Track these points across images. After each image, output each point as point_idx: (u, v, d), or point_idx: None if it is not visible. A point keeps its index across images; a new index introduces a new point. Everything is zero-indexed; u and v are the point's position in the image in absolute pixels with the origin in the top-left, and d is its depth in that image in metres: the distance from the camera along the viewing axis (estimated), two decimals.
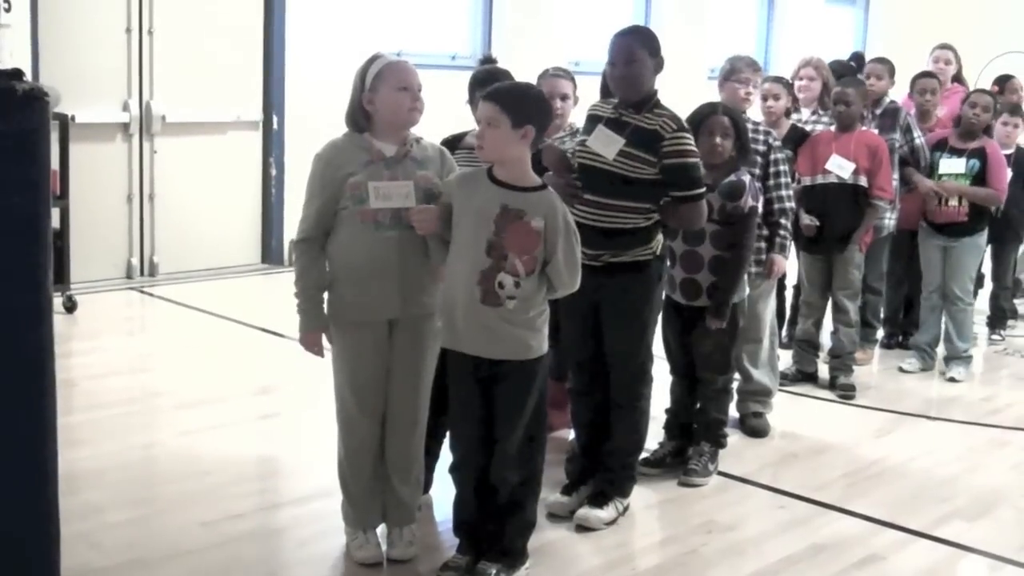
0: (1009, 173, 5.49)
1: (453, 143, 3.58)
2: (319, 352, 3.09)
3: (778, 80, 5.09)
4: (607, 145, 3.34)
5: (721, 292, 3.80)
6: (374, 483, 3.13)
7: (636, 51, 3.35)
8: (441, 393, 3.12)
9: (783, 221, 4.32)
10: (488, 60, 3.84)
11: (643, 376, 3.48)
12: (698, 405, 3.99)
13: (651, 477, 3.83)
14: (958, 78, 6.71)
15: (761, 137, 4.29)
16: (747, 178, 3.86)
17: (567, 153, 3.46)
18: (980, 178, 5.26)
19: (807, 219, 4.92)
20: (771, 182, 4.26)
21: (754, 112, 4.66)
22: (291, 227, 7.26)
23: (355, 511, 3.16)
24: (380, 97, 2.98)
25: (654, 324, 3.53)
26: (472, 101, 3.57)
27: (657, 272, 3.44)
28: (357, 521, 3.16)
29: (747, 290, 4.01)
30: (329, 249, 3.05)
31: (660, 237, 3.45)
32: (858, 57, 6.45)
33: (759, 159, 4.23)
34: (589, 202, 3.33)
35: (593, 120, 3.45)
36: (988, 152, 5.30)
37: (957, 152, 5.33)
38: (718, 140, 3.81)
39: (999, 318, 6.32)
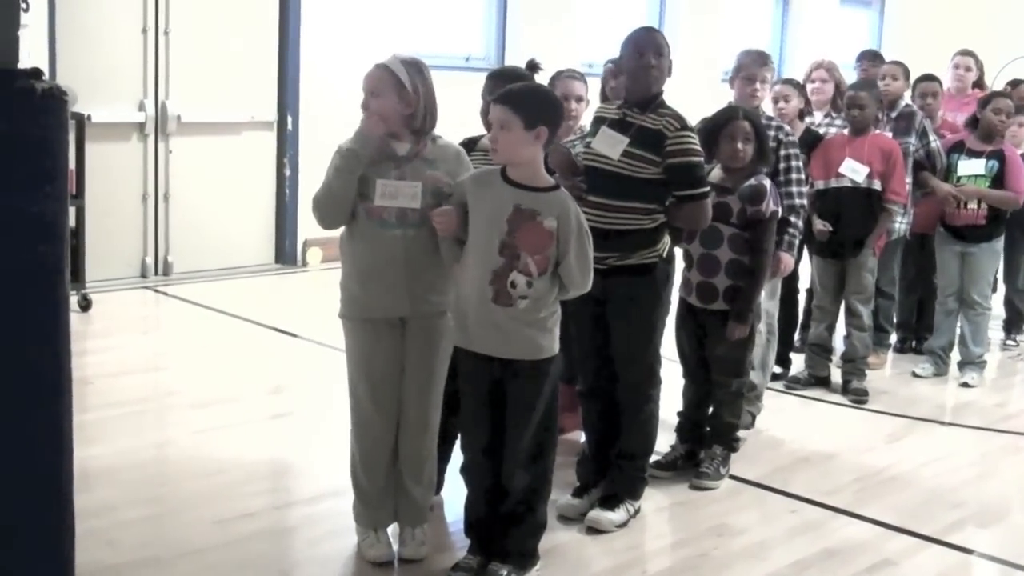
0: None
1: (469, 145, 3.57)
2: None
3: (788, 82, 5.07)
4: (612, 146, 3.35)
5: (743, 299, 3.79)
6: (387, 483, 3.14)
7: (664, 46, 3.38)
8: (454, 394, 3.13)
9: (792, 219, 4.26)
10: (533, 67, 3.78)
11: (651, 378, 3.48)
12: (711, 409, 3.99)
13: (663, 480, 3.83)
14: (979, 84, 6.66)
15: (772, 132, 4.25)
16: (767, 182, 3.85)
17: (574, 155, 3.46)
18: (998, 179, 5.24)
19: (820, 224, 4.90)
20: (781, 178, 4.21)
21: (765, 107, 4.61)
22: (305, 227, 7.31)
23: (367, 510, 3.17)
24: None
25: (662, 326, 3.52)
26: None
27: (663, 274, 3.43)
28: (368, 520, 3.17)
29: (762, 293, 4.00)
30: (340, 244, 3.09)
31: (667, 239, 3.45)
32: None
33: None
34: (594, 204, 3.32)
35: (598, 122, 3.46)
36: (1007, 154, 5.28)
37: (975, 154, 5.30)
38: (740, 145, 3.80)
39: (1015, 321, 6.28)
